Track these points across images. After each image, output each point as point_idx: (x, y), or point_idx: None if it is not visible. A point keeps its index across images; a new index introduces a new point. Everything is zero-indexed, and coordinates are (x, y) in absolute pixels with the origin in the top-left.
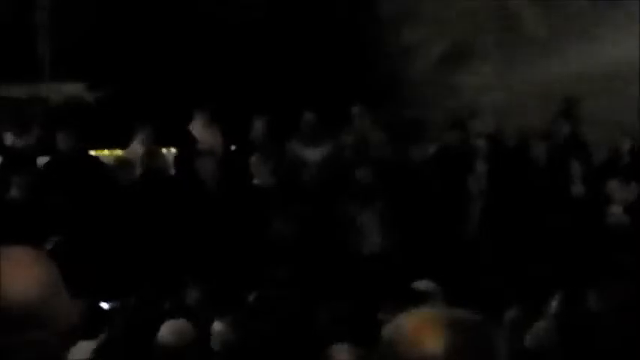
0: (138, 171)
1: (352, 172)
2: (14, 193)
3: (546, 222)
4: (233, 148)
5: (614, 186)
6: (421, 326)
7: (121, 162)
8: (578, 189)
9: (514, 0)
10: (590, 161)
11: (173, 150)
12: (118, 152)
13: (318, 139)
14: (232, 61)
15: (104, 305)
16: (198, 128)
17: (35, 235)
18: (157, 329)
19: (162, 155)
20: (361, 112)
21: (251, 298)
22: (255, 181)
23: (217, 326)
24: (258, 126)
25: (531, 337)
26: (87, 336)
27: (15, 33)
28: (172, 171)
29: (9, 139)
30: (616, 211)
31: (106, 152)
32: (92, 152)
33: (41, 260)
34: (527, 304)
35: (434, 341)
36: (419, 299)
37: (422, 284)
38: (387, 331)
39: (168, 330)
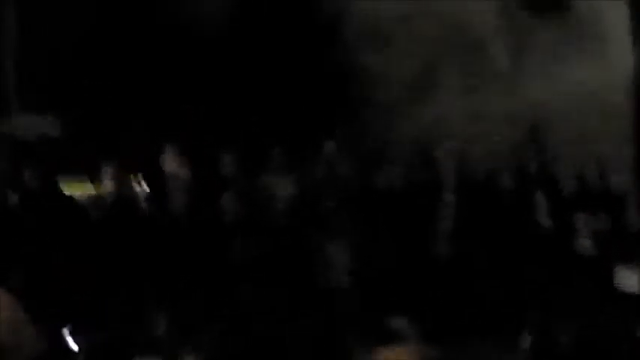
0: (107, 203)
1: (320, 204)
2: None
3: (514, 254)
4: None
5: (581, 218)
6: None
7: (92, 201)
8: (545, 221)
9: (478, 28)
10: (557, 192)
11: (144, 183)
12: (88, 186)
13: (286, 172)
14: (201, 95)
15: (70, 340)
16: (169, 161)
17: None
18: None
19: (130, 182)
20: (330, 145)
21: (219, 328)
22: (226, 216)
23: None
24: (227, 159)
25: None
26: None
27: None
28: (142, 203)
29: None
30: (584, 243)
31: (75, 186)
32: (61, 185)
33: (4, 296)
34: (499, 336)
35: None
36: (391, 336)
37: (398, 322)
38: None
39: None
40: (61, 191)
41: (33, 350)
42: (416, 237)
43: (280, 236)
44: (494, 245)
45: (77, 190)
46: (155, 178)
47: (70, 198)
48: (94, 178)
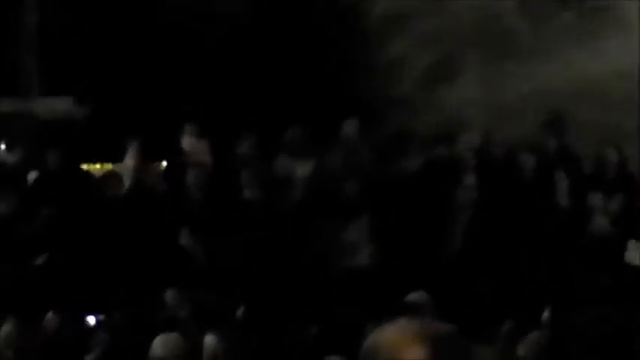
0: (127, 185)
1: (339, 187)
2: (2, 208)
3: (534, 235)
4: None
5: (597, 198)
6: (400, 337)
7: (110, 176)
8: (564, 201)
9: (499, 14)
10: (578, 173)
11: (163, 163)
12: (109, 166)
13: (305, 154)
14: (221, 76)
15: (91, 319)
16: (188, 142)
17: (24, 250)
18: (149, 343)
19: (153, 169)
20: (349, 127)
21: (240, 311)
22: (245, 195)
23: (208, 339)
24: (246, 141)
25: (524, 350)
26: (78, 349)
27: (2, 48)
28: (162, 185)
29: None
30: (601, 222)
31: (97, 167)
32: (83, 167)
33: None
34: (518, 316)
35: (412, 352)
36: (409, 312)
37: (415, 296)
38: (368, 342)
39: (160, 343)
40: (83, 172)
41: None
42: (436, 220)
43: (298, 217)
44: (513, 228)
45: (98, 171)
46: (175, 159)
47: (92, 179)
48: (116, 159)
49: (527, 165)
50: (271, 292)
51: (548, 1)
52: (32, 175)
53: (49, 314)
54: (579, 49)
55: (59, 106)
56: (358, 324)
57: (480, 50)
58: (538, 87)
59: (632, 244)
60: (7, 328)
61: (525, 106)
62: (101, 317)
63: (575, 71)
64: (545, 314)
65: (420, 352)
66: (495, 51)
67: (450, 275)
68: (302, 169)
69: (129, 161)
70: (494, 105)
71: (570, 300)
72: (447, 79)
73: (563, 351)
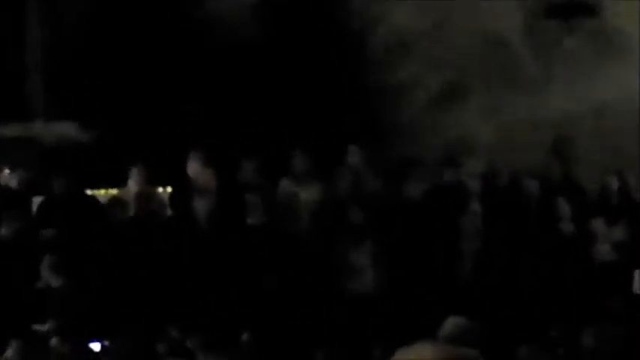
0: (130, 210)
1: (344, 213)
2: (6, 232)
3: (539, 261)
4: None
5: (600, 225)
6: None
7: (115, 201)
8: (567, 228)
9: (506, 39)
10: (581, 201)
11: (168, 189)
12: (113, 192)
13: (310, 180)
14: (227, 101)
15: (96, 345)
16: (193, 168)
17: (26, 275)
18: None
19: (157, 195)
20: (353, 152)
21: (245, 337)
22: (249, 221)
23: None
24: (251, 166)
25: None
26: None
27: (6, 72)
28: (167, 211)
29: (3, 179)
30: (603, 249)
31: (101, 192)
32: (87, 192)
33: None
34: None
35: None
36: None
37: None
38: None
39: None
40: (87, 197)
41: None
42: (440, 246)
43: (303, 242)
44: (519, 251)
45: (103, 196)
46: (180, 184)
47: (96, 204)
48: (120, 185)
49: (532, 191)
50: (276, 317)
51: (552, 27)
52: (37, 200)
53: (54, 340)
54: (583, 75)
55: (63, 130)
56: (363, 349)
57: (485, 77)
58: (543, 113)
59: (638, 274)
60: (12, 352)
61: (530, 133)
62: (106, 343)
63: (579, 97)
64: (550, 339)
65: None
66: (500, 77)
67: (454, 301)
68: (307, 194)
69: (133, 187)
70: (499, 131)
71: (575, 324)
72: (452, 105)
73: None
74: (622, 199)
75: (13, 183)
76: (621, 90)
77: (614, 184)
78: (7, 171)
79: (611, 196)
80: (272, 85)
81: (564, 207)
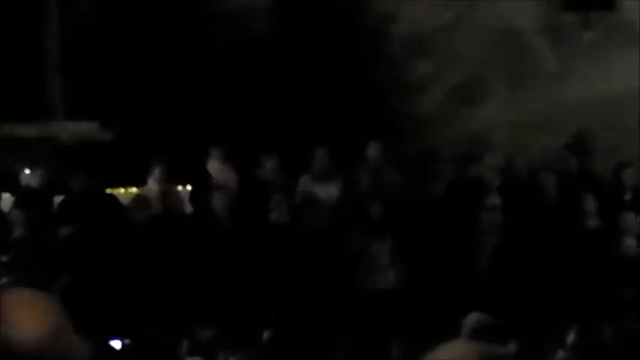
0: (154, 209)
1: (364, 208)
2: (27, 232)
3: (560, 254)
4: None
5: (628, 218)
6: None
7: (136, 200)
8: (591, 222)
9: (523, 34)
10: (601, 193)
11: (188, 187)
12: (133, 190)
13: (330, 176)
14: (247, 98)
15: (116, 343)
16: (214, 165)
17: (47, 273)
18: None
19: (178, 193)
20: (374, 148)
21: (265, 335)
22: (271, 217)
23: None
24: (271, 163)
25: None
26: None
27: (26, 72)
28: (188, 208)
29: (23, 178)
30: (630, 243)
31: (121, 190)
32: (107, 191)
33: (49, 302)
34: (543, 337)
35: None
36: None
37: (473, 317)
38: None
39: None
40: (108, 196)
41: None
42: (460, 240)
43: (324, 238)
44: (540, 245)
45: (123, 195)
46: (200, 182)
47: (116, 203)
48: (140, 183)
49: (551, 185)
50: (297, 313)
51: (570, 21)
52: (57, 199)
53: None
54: (601, 68)
55: (83, 129)
56: (383, 344)
57: (504, 71)
58: (561, 106)
59: None
60: None
61: (549, 126)
62: (127, 341)
63: (597, 90)
64: (572, 334)
65: None
66: (519, 71)
67: (474, 296)
68: (327, 190)
69: (154, 185)
70: (518, 125)
71: (597, 319)
72: (471, 99)
73: None
74: (636, 192)
75: (34, 182)
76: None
77: (630, 177)
78: (27, 170)
79: (627, 190)
80: (291, 81)
81: (589, 201)
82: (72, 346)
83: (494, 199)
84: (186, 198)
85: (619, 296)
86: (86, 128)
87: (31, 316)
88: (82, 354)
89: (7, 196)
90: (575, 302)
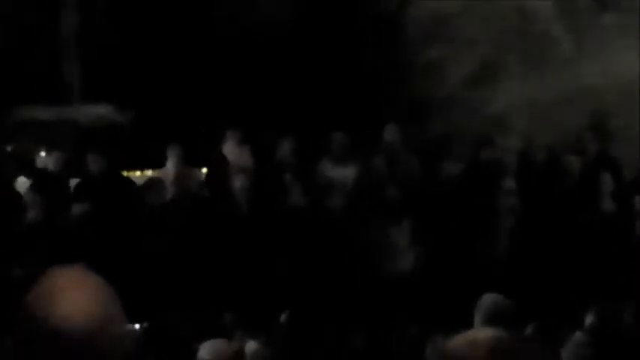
0: (170, 191)
1: (382, 192)
2: (44, 214)
3: (578, 237)
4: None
5: None
6: (472, 349)
7: (152, 183)
8: (608, 204)
9: (539, 17)
10: (620, 176)
11: (204, 170)
12: (149, 173)
13: (347, 159)
14: (263, 81)
15: (135, 326)
16: (230, 148)
17: (63, 257)
18: (194, 350)
19: (195, 175)
20: (391, 131)
21: (283, 318)
22: (289, 201)
23: (252, 346)
24: (287, 146)
25: (567, 352)
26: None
27: (43, 55)
28: (204, 191)
29: (40, 161)
30: None
31: (137, 173)
32: (123, 173)
33: (99, 282)
34: (562, 318)
35: None
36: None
37: (488, 298)
38: (441, 353)
39: (206, 350)
40: (124, 179)
41: (122, 352)
42: (478, 224)
43: (342, 222)
44: (558, 227)
45: (139, 177)
46: (217, 165)
47: (133, 186)
48: (156, 166)
49: (569, 168)
50: (315, 297)
51: (586, 4)
52: (74, 182)
53: None
54: (618, 50)
55: (100, 112)
56: (402, 328)
57: (521, 53)
58: (578, 89)
59: None
60: None
61: (566, 109)
62: (144, 325)
63: (614, 72)
64: (589, 316)
65: None
66: (535, 54)
67: (493, 279)
68: (344, 173)
69: (171, 168)
70: (535, 108)
71: (615, 302)
72: (487, 82)
73: (605, 352)
74: None
75: (50, 165)
76: None
77: None
78: (43, 153)
79: None
80: (309, 65)
81: (607, 182)
82: (122, 332)
83: (510, 182)
84: (203, 180)
85: (637, 278)
86: (103, 111)
87: (80, 297)
88: (131, 340)
89: (23, 179)
90: (593, 285)
